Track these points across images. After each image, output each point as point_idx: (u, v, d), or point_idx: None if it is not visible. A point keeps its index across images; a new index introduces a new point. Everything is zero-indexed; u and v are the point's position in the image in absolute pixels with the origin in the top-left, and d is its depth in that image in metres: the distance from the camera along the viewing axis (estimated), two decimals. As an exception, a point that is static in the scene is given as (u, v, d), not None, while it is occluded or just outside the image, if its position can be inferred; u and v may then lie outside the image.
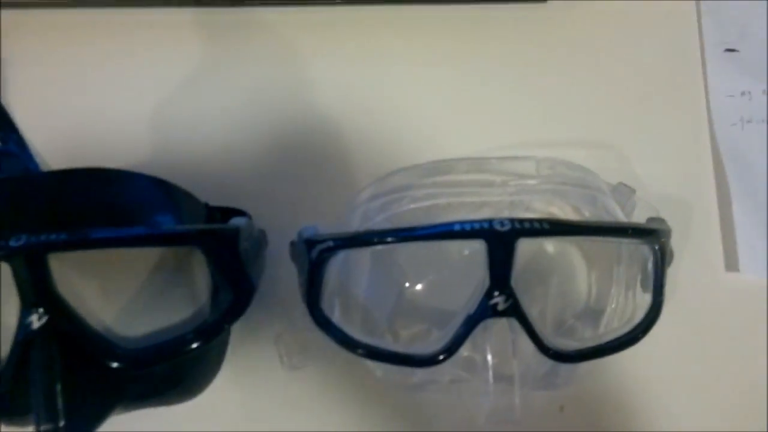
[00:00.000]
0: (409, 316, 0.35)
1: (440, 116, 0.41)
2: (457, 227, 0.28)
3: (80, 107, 0.40)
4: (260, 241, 0.34)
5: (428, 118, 0.40)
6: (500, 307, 0.29)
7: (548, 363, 0.33)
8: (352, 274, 0.34)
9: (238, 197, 0.37)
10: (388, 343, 0.31)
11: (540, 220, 0.28)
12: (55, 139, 0.39)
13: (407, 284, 0.36)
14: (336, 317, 0.32)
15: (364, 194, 0.35)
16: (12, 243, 0.27)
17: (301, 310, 0.35)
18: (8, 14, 0.41)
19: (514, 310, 0.29)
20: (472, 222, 0.28)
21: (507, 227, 0.28)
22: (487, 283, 0.29)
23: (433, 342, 0.31)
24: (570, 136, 0.40)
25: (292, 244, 0.33)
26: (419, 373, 0.33)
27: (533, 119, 0.41)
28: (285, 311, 0.36)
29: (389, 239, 0.29)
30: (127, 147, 0.39)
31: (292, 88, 0.41)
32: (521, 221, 0.28)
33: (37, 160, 0.38)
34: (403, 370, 0.33)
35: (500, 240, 0.28)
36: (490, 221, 0.28)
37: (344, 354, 0.34)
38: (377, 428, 0.35)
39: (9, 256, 0.27)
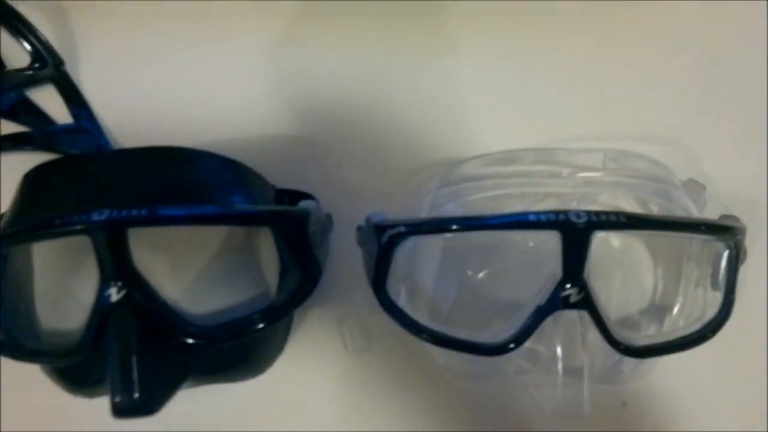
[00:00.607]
0: (471, 306, 0.35)
1: (508, 108, 0.40)
2: (532, 217, 0.28)
3: (149, 87, 0.41)
4: (326, 225, 0.34)
5: (496, 109, 0.40)
6: (572, 299, 0.29)
7: (613, 357, 0.33)
8: (417, 262, 0.34)
9: (296, 182, 0.38)
10: (454, 330, 0.31)
11: (617, 213, 0.28)
12: (124, 117, 0.40)
13: (470, 273, 0.35)
14: (401, 303, 0.32)
15: (432, 183, 0.35)
16: (94, 217, 0.28)
17: (362, 294, 0.35)
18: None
19: (587, 303, 0.29)
20: (548, 213, 0.28)
21: (584, 219, 0.28)
22: (559, 274, 0.29)
23: (499, 332, 0.31)
24: (638, 131, 0.40)
25: (360, 228, 0.34)
26: (482, 362, 0.33)
27: (601, 113, 0.40)
28: (347, 295, 0.36)
29: (462, 227, 0.29)
30: (193, 128, 0.40)
31: (356, 75, 0.41)
32: (597, 213, 0.28)
33: (108, 137, 0.39)
34: (465, 358, 0.34)
35: (576, 232, 0.28)
36: (566, 213, 0.28)
37: (406, 340, 0.35)
38: (438, 415, 0.35)
39: (91, 230, 0.28)
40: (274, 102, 0.40)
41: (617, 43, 0.42)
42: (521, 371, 0.33)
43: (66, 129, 0.39)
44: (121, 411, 0.28)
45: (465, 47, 0.41)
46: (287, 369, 0.35)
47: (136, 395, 0.27)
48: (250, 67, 0.41)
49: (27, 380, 0.33)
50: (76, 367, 0.31)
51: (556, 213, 0.28)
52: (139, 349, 0.28)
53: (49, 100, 0.40)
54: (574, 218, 0.28)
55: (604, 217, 0.28)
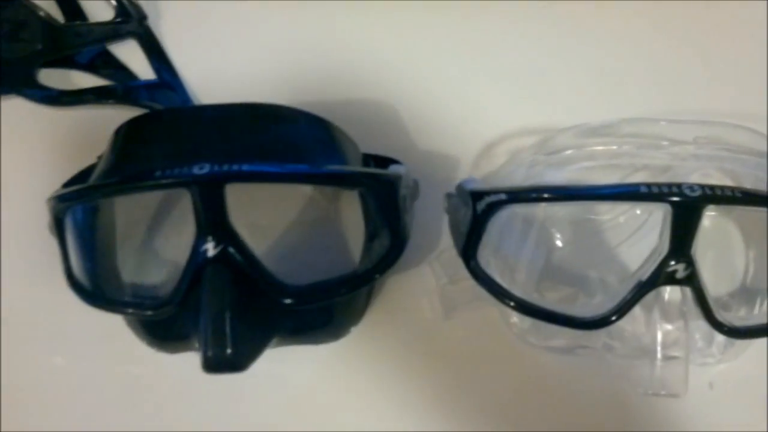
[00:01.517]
0: (558, 279, 0.35)
1: (600, 81, 0.39)
2: (643, 189, 0.27)
3: (231, 45, 0.40)
4: (414, 191, 0.34)
5: (590, 82, 0.39)
6: (678, 275, 0.28)
7: (704, 337, 0.33)
8: (506, 232, 0.33)
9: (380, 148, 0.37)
10: (547, 302, 0.30)
11: (732, 188, 0.27)
12: (205, 75, 0.40)
13: (559, 246, 0.35)
14: (491, 272, 0.31)
15: (527, 152, 0.34)
16: (195, 171, 0.27)
17: (443, 261, 0.35)
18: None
19: (692, 280, 0.28)
20: (660, 185, 0.27)
21: (697, 193, 0.27)
22: (665, 249, 0.28)
23: (593, 305, 0.30)
24: (733, 110, 0.38)
25: (449, 196, 0.33)
26: (568, 337, 0.33)
27: (691, 89, 0.39)
28: (429, 264, 0.36)
29: (567, 196, 0.28)
30: (275, 88, 0.39)
31: (444, 43, 0.40)
32: (712, 188, 0.27)
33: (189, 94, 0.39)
34: (548, 332, 0.33)
35: (688, 205, 0.27)
36: (680, 185, 0.27)
37: (485, 312, 0.34)
38: (518, 388, 0.34)
39: (191, 184, 0.27)
40: (359, 66, 0.40)
41: (715, 21, 0.40)
42: (609, 348, 0.32)
43: (148, 84, 0.39)
44: (212, 365, 0.28)
45: (557, 16, 0.40)
46: (367, 335, 0.35)
47: (229, 350, 0.27)
48: (335, 29, 0.40)
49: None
50: (165, 321, 0.31)
51: (669, 185, 0.27)
52: (233, 304, 0.28)
53: (131, 55, 0.40)
54: (687, 191, 0.27)
55: (718, 191, 0.27)
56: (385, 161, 0.35)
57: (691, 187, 0.27)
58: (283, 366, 0.34)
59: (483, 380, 0.35)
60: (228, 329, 0.27)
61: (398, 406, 0.34)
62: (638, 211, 0.34)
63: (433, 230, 0.37)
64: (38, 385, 0.35)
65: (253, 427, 0.34)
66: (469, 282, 0.31)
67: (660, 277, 0.28)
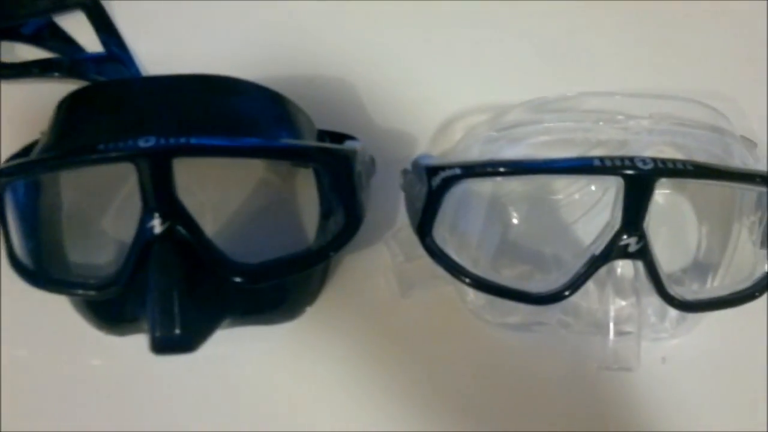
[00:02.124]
0: (513, 255, 0.35)
1: (557, 56, 0.39)
2: (596, 162, 0.27)
3: (181, 19, 0.39)
4: (370, 167, 0.33)
5: (547, 56, 0.39)
6: (630, 249, 0.28)
7: (657, 312, 0.33)
8: (461, 208, 0.33)
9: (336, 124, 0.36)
10: (502, 278, 0.30)
11: (684, 161, 0.27)
12: (154, 48, 0.38)
13: (514, 222, 0.35)
14: (446, 249, 0.31)
15: (482, 127, 0.33)
16: (141, 144, 0.26)
17: (399, 239, 0.35)
18: None
19: (644, 254, 0.28)
20: (612, 158, 0.27)
21: (650, 166, 0.27)
22: (618, 223, 0.28)
23: (548, 281, 0.30)
24: (687, 87, 0.38)
25: (405, 172, 0.32)
26: (523, 313, 0.33)
27: (647, 68, 0.39)
28: (385, 242, 0.35)
29: (522, 170, 0.28)
30: (227, 63, 0.38)
31: (400, 18, 0.40)
32: (664, 161, 0.27)
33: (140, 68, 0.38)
34: (504, 308, 0.33)
35: (640, 178, 0.27)
36: (632, 158, 0.27)
37: (441, 290, 0.34)
38: (474, 366, 0.34)
39: (137, 157, 0.26)
40: (317, 43, 0.39)
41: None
42: (564, 324, 0.32)
43: (95, 57, 0.38)
44: (160, 346, 0.27)
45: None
46: (322, 315, 0.34)
47: (177, 331, 0.27)
48: (292, 5, 0.39)
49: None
50: (111, 302, 0.30)
51: (621, 158, 0.27)
52: (181, 283, 0.27)
53: (79, 28, 0.38)
54: (639, 164, 0.27)
55: (670, 165, 0.27)
56: (341, 137, 0.34)
57: (643, 160, 0.27)
58: (237, 347, 0.33)
59: (440, 358, 0.34)
60: (176, 309, 0.27)
61: (355, 386, 0.34)
62: (593, 187, 0.34)
63: (390, 208, 0.36)
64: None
65: (207, 411, 0.33)
66: (426, 260, 0.31)
67: (612, 251, 0.28)
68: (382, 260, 0.35)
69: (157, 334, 0.27)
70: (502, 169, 0.28)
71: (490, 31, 0.39)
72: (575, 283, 0.29)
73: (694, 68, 0.39)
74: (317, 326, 0.34)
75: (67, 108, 0.31)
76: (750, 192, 0.33)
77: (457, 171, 0.28)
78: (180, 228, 0.27)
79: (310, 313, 0.34)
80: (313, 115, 0.34)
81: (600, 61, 0.39)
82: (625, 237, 0.28)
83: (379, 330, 0.35)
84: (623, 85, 0.37)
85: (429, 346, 0.35)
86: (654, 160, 0.27)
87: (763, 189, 0.30)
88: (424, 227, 0.30)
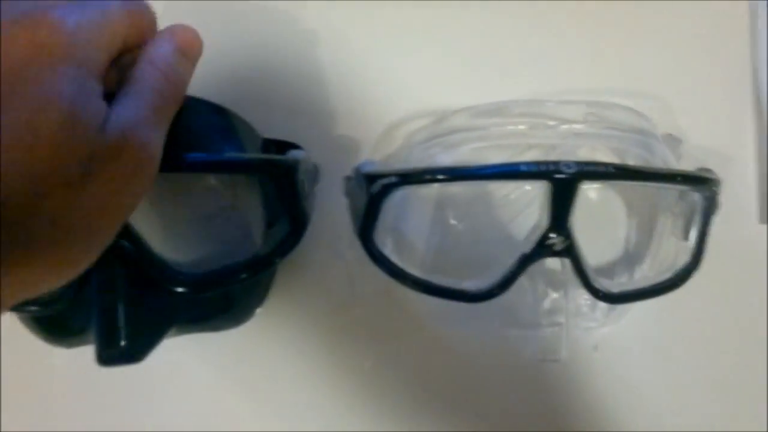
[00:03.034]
0: (454, 256, 0.36)
1: (493, 60, 0.40)
2: (523, 168, 0.28)
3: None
4: (314, 175, 0.34)
5: (482, 62, 0.40)
6: (557, 248, 0.29)
7: (588, 303, 0.35)
8: (402, 212, 0.34)
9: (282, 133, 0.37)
10: (439, 278, 0.32)
11: (605, 164, 0.29)
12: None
13: (454, 224, 0.36)
14: (387, 253, 0.32)
15: (421, 134, 0.34)
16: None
17: (346, 246, 0.36)
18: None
19: (570, 251, 0.30)
20: (538, 163, 0.28)
21: (573, 170, 0.28)
22: (545, 223, 0.29)
23: (483, 279, 0.32)
24: (614, 86, 0.40)
25: (347, 179, 0.33)
26: (464, 310, 0.34)
27: (578, 69, 0.41)
28: (331, 247, 0.36)
29: (453, 176, 0.30)
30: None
31: (341, 26, 0.40)
32: (587, 164, 0.29)
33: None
34: (448, 306, 0.34)
35: (564, 182, 0.28)
36: (556, 163, 0.28)
37: (389, 291, 0.35)
38: (420, 362, 0.36)
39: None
40: (258, 50, 0.39)
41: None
42: (501, 318, 0.34)
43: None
44: (106, 359, 0.27)
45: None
46: (272, 319, 0.35)
47: (123, 343, 0.27)
48: (232, 12, 0.39)
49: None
50: (58, 316, 0.30)
51: (546, 163, 0.28)
52: (125, 296, 0.28)
53: None
54: (563, 168, 0.28)
55: (592, 167, 0.29)
56: (285, 146, 0.35)
57: (567, 164, 0.28)
58: (188, 353, 0.34)
59: (388, 357, 0.36)
60: (121, 321, 0.27)
61: (306, 387, 0.35)
62: (528, 187, 0.35)
63: (338, 213, 0.37)
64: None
65: (156, 416, 0.34)
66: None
67: (540, 250, 0.30)
68: (333, 264, 0.36)
69: (102, 347, 0.27)
70: (436, 176, 0.30)
71: (431, 37, 0.40)
72: (506, 281, 0.30)
73: (623, 68, 0.41)
74: (267, 330, 0.35)
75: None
76: (673, 189, 0.34)
77: (394, 179, 0.30)
78: (122, 242, 0.28)
79: (260, 316, 0.35)
80: (258, 124, 0.35)
81: (534, 64, 0.40)
82: (552, 236, 0.29)
83: (328, 332, 0.36)
84: (557, 87, 0.39)
85: (378, 346, 0.36)
86: (577, 163, 0.28)
87: (683, 187, 0.32)
88: (365, 232, 0.31)
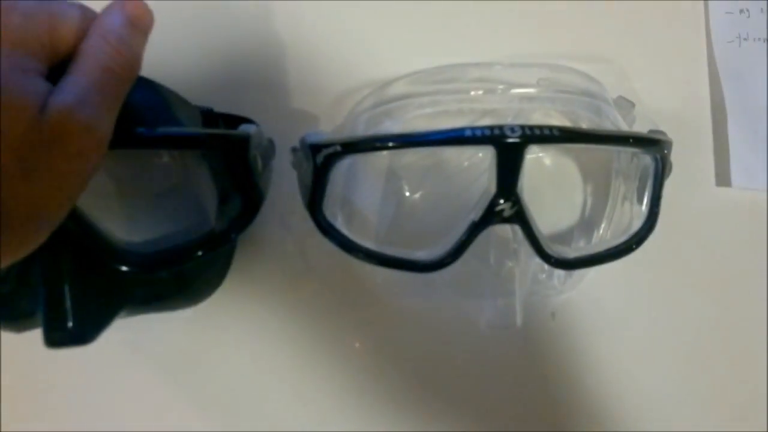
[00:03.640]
0: (408, 225, 0.36)
1: (440, 26, 0.40)
2: (467, 133, 0.28)
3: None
4: (269, 150, 0.33)
5: (429, 28, 0.39)
6: (506, 214, 0.29)
7: (544, 271, 0.35)
8: (353, 183, 0.34)
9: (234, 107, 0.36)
10: (391, 249, 0.31)
11: (550, 127, 0.28)
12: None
13: (407, 194, 0.36)
14: (338, 225, 0.32)
15: (366, 102, 0.34)
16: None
17: (299, 218, 0.35)
18: None
19: (519, 217, 0.30)
20: (482, 128, 0.28)
21: (518, 133, 0.28)
22: (493, 189, 0.29)
23: (435, 248, 0.31)
24: (569, 50, 0.40)
25: (294, 150, 0.33)
26: (418, 280, 0.34)
27: (533, 33, 0.40)
28: (287, 221, 0.36)
29: (399, 144, 0.29)
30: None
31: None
32: (531, 128, 0.28)
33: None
34: (402, 277, 0.34)
35: (510, 146, 0.28)
36: (501, 127, 0.28)
37: (343, 262, 0.35)
38: (376, 332, 0.36)
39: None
40: (207, 25, 0.38)
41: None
42: (455, 287, 0.34)
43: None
44: (54, 341, 0.27)
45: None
46: (229, 296, 0.35)
47: (70, 324, 0.27)
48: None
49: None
50: (6, 298, 0.30)
51: (491, 128, 0.28)
52: (71, 277, 0.27)
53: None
54: (508, 132, 0.28)
55: (537, 131, 0.28)
56: (237, 120, 0.34)
57: (512, 128, 0.28)
58: (142, 333, 0.34)
59: (344, 329, 0.36)
60: (68, 303, 0.27)
61: (265, 363, 0.35)
62: (480, 155, 0.35)
63: (293, 186, 0.37)
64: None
65: (114, 398, 0.34)
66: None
67: (489, 217, 0.29)
68: (287, 237, 0.36)
69: (49, 329, 0.27)
70: (379, 144, 0.29)
71: (378, 6, 0.40)
72: (457, 250, 0.30)
73: (577, 32, 0.41)
74: (225, 307, 0.35)
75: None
76: (624, 152, 0.34)
77: (338, 148, 0.29)
78: (66, 221, 0.27)
79: (218, 294, 0.34)
80: (212, 98, 0.34)
81: (483, 29, 0.40)
82: (501, 202, 0.29)
83: (285, 306, 0.36)
84: (506, 52, 0.39)
85: (334, 319, 0.36)
86: (522, 127, 0.28)
87: (633, 149, 0.32)
88: (313, 204, 0.31)
